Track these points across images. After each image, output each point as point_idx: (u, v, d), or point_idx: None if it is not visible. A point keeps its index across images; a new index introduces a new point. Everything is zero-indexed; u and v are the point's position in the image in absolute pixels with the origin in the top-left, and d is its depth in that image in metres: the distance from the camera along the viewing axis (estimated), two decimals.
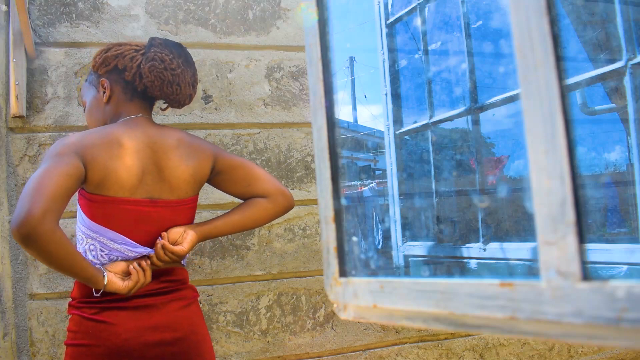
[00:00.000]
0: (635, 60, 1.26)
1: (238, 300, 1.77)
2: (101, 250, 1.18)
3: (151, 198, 1.22)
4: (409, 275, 1.96)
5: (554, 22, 0.42)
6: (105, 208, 1.17)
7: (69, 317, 1.23)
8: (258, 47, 1.86)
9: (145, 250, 1.22)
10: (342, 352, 1.85)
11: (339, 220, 0.68)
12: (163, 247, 1.22)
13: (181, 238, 1.24)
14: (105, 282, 1.13)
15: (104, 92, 1.30)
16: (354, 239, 0.75)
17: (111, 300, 1.19)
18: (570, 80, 1.42)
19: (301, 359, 1.82)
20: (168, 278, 1.27)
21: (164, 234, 1.24)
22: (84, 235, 1.20)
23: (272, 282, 1.81)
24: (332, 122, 0.69)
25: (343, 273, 0.67)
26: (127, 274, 1.19)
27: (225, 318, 1.75)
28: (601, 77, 1.42)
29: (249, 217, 1.32)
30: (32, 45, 1.58)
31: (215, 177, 1.34)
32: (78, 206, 1.21)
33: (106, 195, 1.16)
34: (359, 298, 0.63)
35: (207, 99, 1.79)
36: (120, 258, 1.20)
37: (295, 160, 1.86)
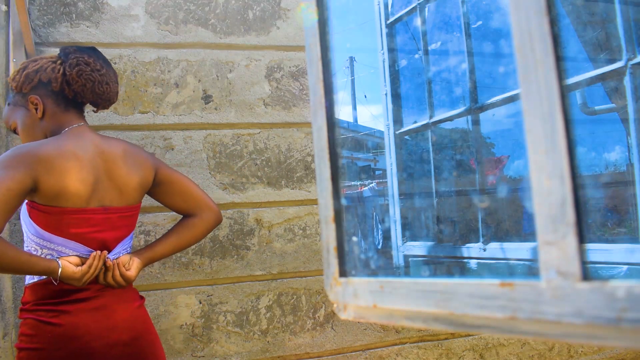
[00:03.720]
0: (635, 60, 1.26)
1: (238, 300, 1.77)
2: (57, 259, 1.20)
3: (104, 206, 1.26)
4: (409, 275, 1.96)
5: (554, 22, 0.42)
6: (61, 219, 1.19)
7: (20, 322, 1.23)
8: (258, 47, 1.86)
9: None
10: (342, 352, 1.85)
11: (339, 220, 0.68)
12: (117, 269, 1.26)
13: (128, 265, 1.29)
14: (60, 268, 1.16)
15: (37, 108, 1.31)
16: (354, 239, 0.75)
17: (67, 302, 1.20)
18: (570, 80, 1.42)
19: (301, 359, 1.82)
20: None
21: (112, 262, 1.27)
22: (38, 246, 1.21)
23: (272, 282, 1.81)
24: (332, 122, 0.69)
25: (343, 273, 0.67)
26: (79, 266, 1.21)
27: (225, 318, 1.75)
28: (601, 77, 1.42)
29: (185, 239, 1.40)
30: (32, 45, 1.58)
31: (155, 188, 1.40)
32: (27, 218, 1.22)
33: (63, 207, 1.19)
34: (359, 298, 0.63)
35: (207, 99, 1.79)
36: None
37: (295, 160, 1.86)
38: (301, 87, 1.89)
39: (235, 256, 1.78)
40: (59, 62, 1.31)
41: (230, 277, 1.76)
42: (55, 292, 1.20)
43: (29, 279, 1.24)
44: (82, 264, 1.21)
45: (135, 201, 1.33)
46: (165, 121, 1.74)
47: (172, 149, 1.74)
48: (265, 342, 1.78)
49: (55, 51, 1.66)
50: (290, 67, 1.88)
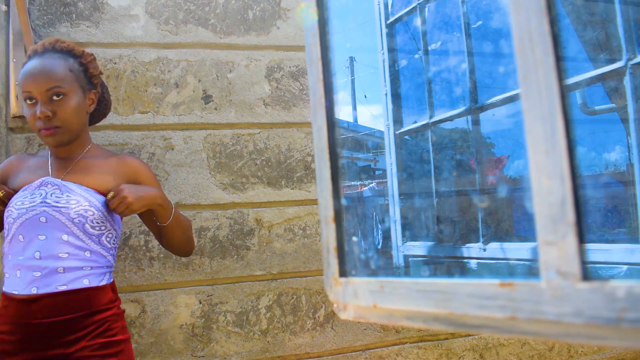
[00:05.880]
0: (635, 60, 1.26)
1: (238, 300, 1.77)
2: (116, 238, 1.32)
3: None
4: (409, 275, 1.96)
5: (554, 22, 0.42)
6: None
7: (115, 315, 1.26)
8: (258, 47, 1.86)
9: None
10: (342, 352, 1.85)
11: (339, 220, 0.68)
12: None
13: None
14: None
15: (92, 104, 1.30)
16: (354, 239, 0.75)
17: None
18: (570, 80, 1.42)
19: (301, 359, 1.82)
20: None
21: None
22: (118, 228, 1.32)
23: (272, 282, 1.81)
24: (332, 122, 0.69)
25: (343, 273, 0.67)
26: None
27: (225, 318, 1.75)
28: (601, 77, 1.42)
29: None
30: (32, 45, 1.58)
31: None
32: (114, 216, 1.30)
33: None
34: (359, 298, 0.63)
35: (207, 99, 1.79)
36: None
37: (295, 160, 1.86)
38: (301, 87, 1.89)
39: (235, 256, 1.78)
40: None
41: (230, 277, 1.77)
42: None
43: (109, 280, 1.26)
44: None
45: None
46: (165, 121, 1.74)
47: (172, 149, 1.74)
48: (265, 342, 1.78)
49: None
50: (290, 67, 1.88)
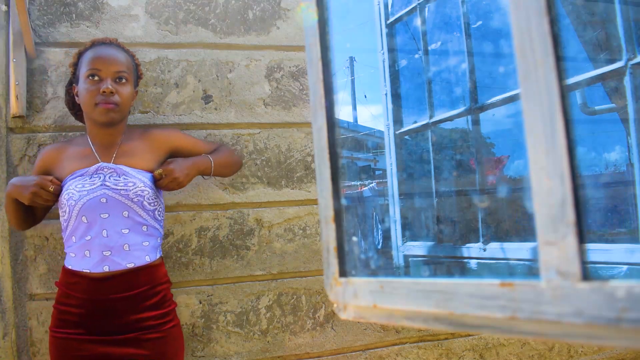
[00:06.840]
0: (635, 60, 1.26)
1: (238, 300, 1.77)
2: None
3: None
4: (409, 275, 1.96)
5: (554, 22, 0.42)
6: None
7: (168, 287, 1.45)
8: (258, 47, 1.86)
9: None
10: (342, 352, 1.85)
11: (339, 220, 0.68)
12: None
13: None
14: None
15: (133, 99, 1.48)
16: (354, 239, 0.75)
17: None
18: (570, 80, 1.42)
19: (301, 359, 1.82)
20: None
21: None
22: (162, 202, 1.50)
23: (272, 282, 1.81)
24: (332, 122, 0.69)
25: (343, 273, 0.67)
26: None
27: (225, 318, 1.75)
28: (601, 77, 1.42)
29: None
30: (32, 45, 1.58)
31: None
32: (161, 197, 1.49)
33: None
34: (359, 298, 0.63)
35: (207, 99, 1.79)
36: None
37: (295, 160, 1.86)
38: (301, 87, 1.89)
39: (235, 256, 1.78)
40: None
41: (230, 277, 1.77)
42: None
43: (160, 253, 1.44)
44: None
45: None
46: (165, 121, 1.74)
47: None
48: (265, 342, 1.78)
49: (55, 51, 1.66)
50: (290, 67, 1.88)
